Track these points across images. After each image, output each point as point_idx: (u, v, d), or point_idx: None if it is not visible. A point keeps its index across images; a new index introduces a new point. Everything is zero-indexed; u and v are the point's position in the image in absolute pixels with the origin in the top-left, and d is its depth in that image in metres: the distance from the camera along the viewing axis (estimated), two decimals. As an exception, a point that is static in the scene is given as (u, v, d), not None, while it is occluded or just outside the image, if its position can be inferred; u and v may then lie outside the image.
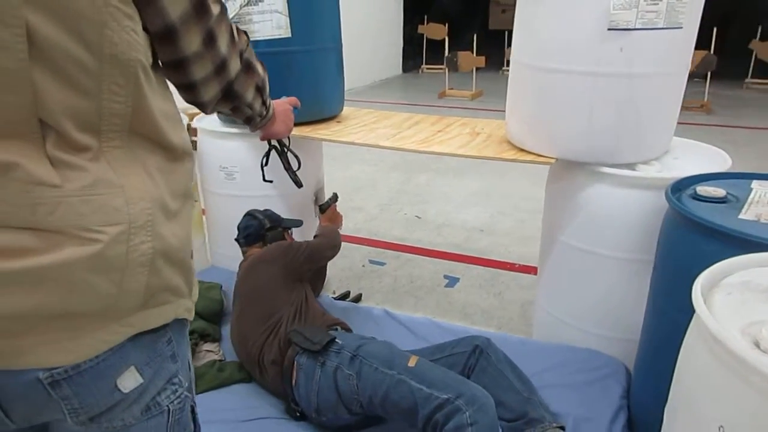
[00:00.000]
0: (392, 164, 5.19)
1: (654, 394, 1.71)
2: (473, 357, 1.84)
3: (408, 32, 11.09)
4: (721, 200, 1.56)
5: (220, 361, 2.04)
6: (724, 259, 1.21)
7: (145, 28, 0.75)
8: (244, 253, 2.27)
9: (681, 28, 1.72)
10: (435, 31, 10.14)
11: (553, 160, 1.91)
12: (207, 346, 2.10)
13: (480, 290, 2.96)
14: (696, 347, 1.05)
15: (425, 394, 1.55)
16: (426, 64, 11.22)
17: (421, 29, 10.55)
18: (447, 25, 9.79)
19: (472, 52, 8.33)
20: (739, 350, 0.90)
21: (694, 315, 1.09)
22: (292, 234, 2.38)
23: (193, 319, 2.12)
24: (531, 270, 3.13)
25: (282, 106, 1.54)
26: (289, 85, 2.11)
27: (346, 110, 2.76)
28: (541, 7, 1.80)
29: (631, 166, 1.89)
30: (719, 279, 1.16)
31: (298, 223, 2.36)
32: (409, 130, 2.37)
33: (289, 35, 2.26)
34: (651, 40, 1.70)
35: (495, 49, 10.07)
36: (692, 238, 1.46)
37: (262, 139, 1.68)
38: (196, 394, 1.90)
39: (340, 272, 3.12)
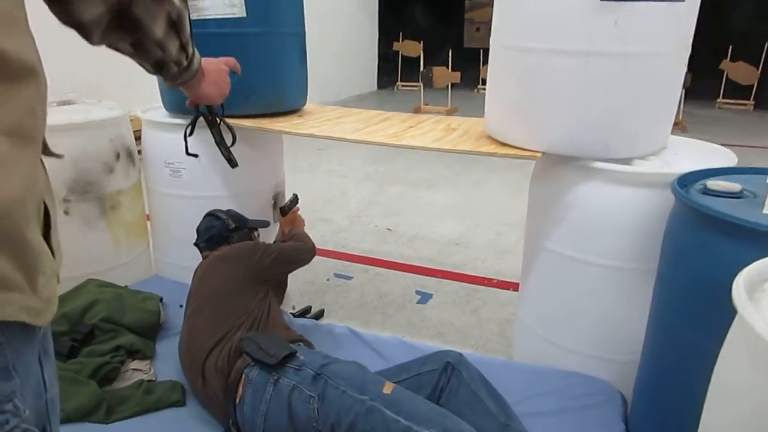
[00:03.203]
0: (363, 176, 4.94)
1: (660, 423, 1.47)
2: (444, 376, 1.58)
3: (383, 49, 10.98)
4: (736, 195, 1.33)
5: (149, 381, 1.74)
6: (748, 261, 0.98)
7: None
8: (205, 258, 1.99)
9: (683, 0, 1.52)
10: (410, 48, 10.01)
11: (539, 155, 1.68)
12: (135, 364, 1.80)
13: (454, 307, 2.70)
14: (741, 361, 0.80)
15: (402, 426, 1.28)
16: (401, 81, 11.08)
17: (396, 46, 10.42)
18: (422, 42, 9.68)
19: (448, 68, 8.20)
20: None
21: (737, 324, 0.85)
22: (259, 236, 2.12)
23: (120, 333, 1.81)
24: (510, 285, 2.89)
25: (215, 65, 1.28)
26: (244, 71, 1.84)
27: (311, 106, 2.50)
28: (527, -22, 1.58)
29: (626, 161, 1.66)
30: (759, 282, 0.92)
31: (265, 224, 2.12)
32: (377, 125, 2.12)
33: (244, 15, 2.00)
34: (649, 13, 1.49)
35: (470, 66, 10.01)
36: (709, 238, 1.23)
37: (190, 104, 1.41)
38: (119, 419, 1.60)
39: (301, 286, 2.83)
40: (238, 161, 2.25)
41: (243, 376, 1.47)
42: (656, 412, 1.49)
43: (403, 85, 11.05)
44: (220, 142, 1.57)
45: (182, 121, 2.18)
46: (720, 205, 1.25)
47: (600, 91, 1.56)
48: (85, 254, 2.22)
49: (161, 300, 2.12)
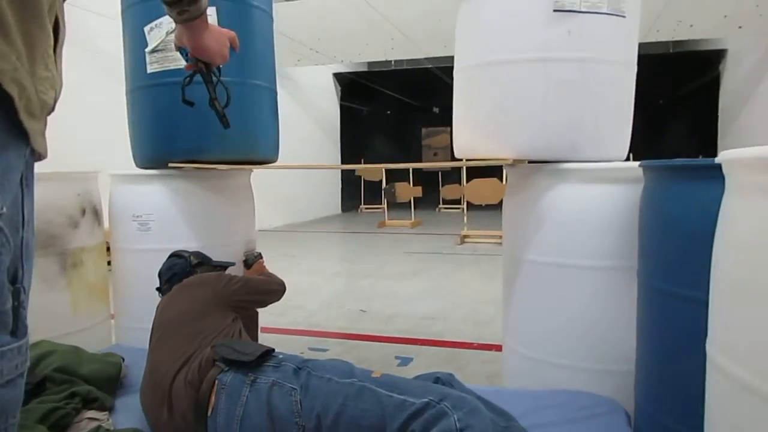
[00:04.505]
0: (333, 273, 4.90)
1: (670, 411, 1.37)
2: None
3: (346, 174, 11.44)
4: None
5: (107, 430, 1.54)
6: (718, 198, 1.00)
7: None
8: None
9: (624, 17, 1.69)
10: (372, 172, 10.47)
11: (510, 160, 1.72)
12: (92, 414, 1.60)
13: (438, 367, 2.54)
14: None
15: (396, 401, 1.17)
16: (364, 203, 11.42)
17: (358, 171, 10.89)
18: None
19: (409, 183, 8.54)
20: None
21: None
22: None
23: (76, 384, 1.65)
24: (492, 347, 2.79)
25: (218, 28, 1.35)
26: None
27: (281, 166, 2.53)
28: (484, 0, 1.73)
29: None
30: None
31: (230, 264, 2.03)
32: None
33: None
34: (597, 24, 1.65)
35: (430, 189, 10.44)
36: (683, 187, 1.25)
37: (188, 66, 1.43)
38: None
39: (274, 358, 2.66)
40: (209, 211, 2.23)
41: (216, 383, 1.33)
42: (663, 401, 1.39)
43: (366, 208, 11.37)
44: (214, 98, 1.56)
45: (150, 172, 2.18)
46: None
47: (560, 94, 1.66)
48: (39, 316, 2.03)
49: (123, 359, 1.95)
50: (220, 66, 1.48)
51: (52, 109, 0.65)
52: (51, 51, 0.63)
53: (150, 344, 1.63)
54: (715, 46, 8.80)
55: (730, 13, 6.23)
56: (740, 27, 6.71)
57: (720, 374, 0.85)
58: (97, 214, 2.29)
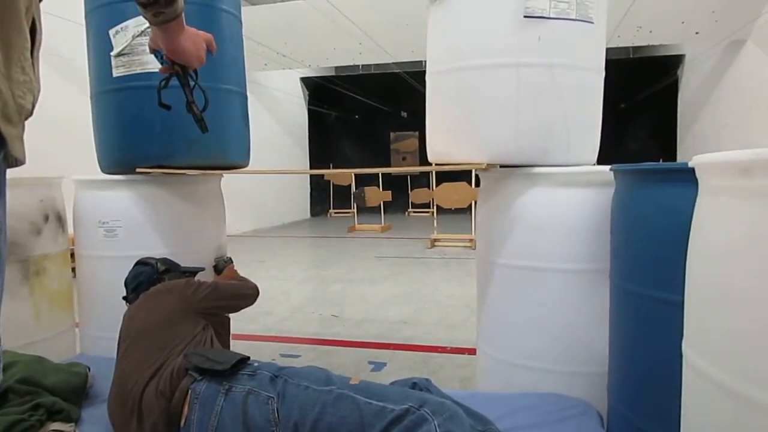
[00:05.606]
0: (303, 279, 4.86)
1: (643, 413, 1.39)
2: None
3: (315, 178, 11.39)
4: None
5: (74, 440, 1.49)
6: (687, 201, 1.02)
7: None
8: None
9: (592, 23, 1.72)
10: (341, 177, 10.44)
11: (483, 165, 1.74)
12: (57, 425, 1.54)
13: (411, 372, 2.56)
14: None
15: (376, 408, 1.16)
16: (333, 208, 11.39)
17: (327, 176, 10.85)
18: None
19: (379, 188, 8.55)
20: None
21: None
22: None
23: (40, 395, 1.60)
24: (465, 351, 2.81)
25: (194, 30, 1.31)
26: (190, 122, 1.84)
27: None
28: (455, 6, 1.75)
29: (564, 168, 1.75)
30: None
31: (200, 269, 1.98)
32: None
33: (188, 69, 2.06)
34: (566, 30, 1.68)
35: (399, 193, 10.46)
36: (653, 191, 1.28)
37: (163, 69, 1.39)
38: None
39: (245, 366, 2.62)
40: (179, 217, 2.19)
41: (188, 393, 1.30)
42: (636, 403, 1.42)
43: (335, 212, 11.34)
44: (191, 101, 1.51)
45: (117, 177, 2.13)
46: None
47: (531, 99, 1.68)
48: None
49: (89, 369, 1.89)
50: (197, 69, 1.45)
51: (30, 114, 0.63)
52: (28, 54, 0.61)
53: (117, 354, 1.59)
54: (674, 51, 9.08)
55: (688, 20, 6.44)
56: (697, 33, 6.94)
57: (697, 376, 0.87)
58: (60, 220, 2.22)
